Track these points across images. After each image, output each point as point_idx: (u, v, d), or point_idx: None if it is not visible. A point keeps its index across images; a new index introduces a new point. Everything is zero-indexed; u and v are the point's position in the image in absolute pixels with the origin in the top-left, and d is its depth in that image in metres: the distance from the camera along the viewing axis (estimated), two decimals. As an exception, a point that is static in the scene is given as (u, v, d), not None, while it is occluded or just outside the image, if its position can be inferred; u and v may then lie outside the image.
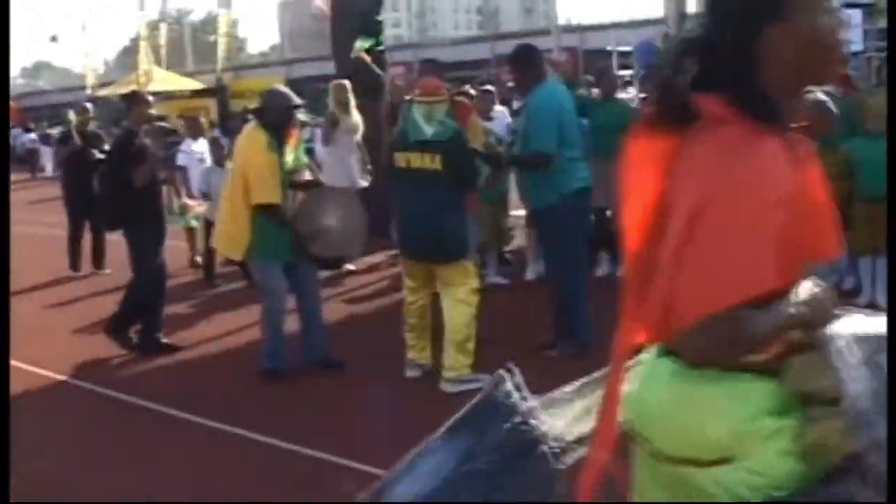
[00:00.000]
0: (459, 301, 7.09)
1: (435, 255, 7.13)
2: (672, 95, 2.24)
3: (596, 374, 2.59)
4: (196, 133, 13.03)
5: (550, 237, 7.86)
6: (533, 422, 2.57)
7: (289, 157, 7.64)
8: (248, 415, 6.86)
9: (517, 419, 2.59)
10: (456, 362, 7.07)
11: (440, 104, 7.13)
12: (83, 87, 42.40)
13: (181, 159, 12.48)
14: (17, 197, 19.64)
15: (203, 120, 14.99)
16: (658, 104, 2.29)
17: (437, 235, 7.02)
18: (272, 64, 54.32)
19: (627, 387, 2.34)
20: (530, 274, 10.82)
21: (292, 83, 41.94)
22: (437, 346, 7.39)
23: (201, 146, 12.54)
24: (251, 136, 7.52)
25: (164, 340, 8.80)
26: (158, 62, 42.69)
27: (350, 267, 11.13)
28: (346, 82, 11.75)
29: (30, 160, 35.63)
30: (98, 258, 12.89)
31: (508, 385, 2.65)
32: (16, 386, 7.05)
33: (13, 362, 8.03)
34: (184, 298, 10.75)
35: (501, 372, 2.63)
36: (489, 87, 13.63)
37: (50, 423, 7.18)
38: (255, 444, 6.34)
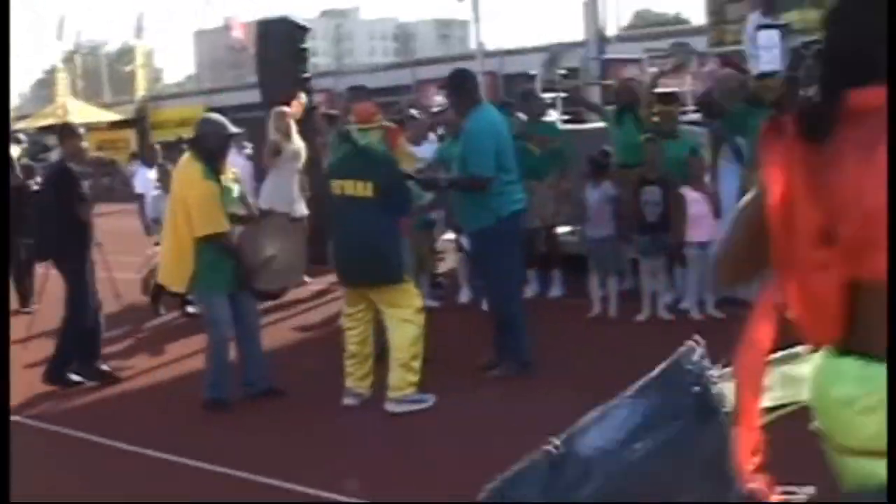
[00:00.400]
0: (405, 321, 7.18)
1: (374, 279, 7.23)
2: (820, 103, 2.38)
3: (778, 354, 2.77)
4: (153, 160, 13.04)
5: (487, 259, 7.98)
6: (716, 389, 2.78)
7: (231, 185, 7.67)
8: (194, 444, 6.86)
9: (702, 385, 2.83)
10: (402, 382, 7.15)
11: (374, 131, 7.24)
12: (-1, 120, 41.73)
13: (139, 186, 12.43)
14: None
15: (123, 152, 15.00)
16: (803, 112, 2.41)
17: (373, 260, 7.15)
18: (190, 94, 53.96)
19: (809, 383, 2.50)
20: (463, 297, 10.96)
21: (214, 112, 41.83)
22: (378, 371, 7.47)
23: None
24: (188, 167, 7.53)
25: (104, 367, 8.78)
26: (75, 94, 42.30)
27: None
28: (288, 109, 11.79)
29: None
30: (27, 294, 12.46)
31: (697, 353, 2.89)
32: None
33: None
34: (126, 328, 10.69)
35: (690, 342, 2.86)
36: (415, 112, 13.74)
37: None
38: (202, 473, 6.36)
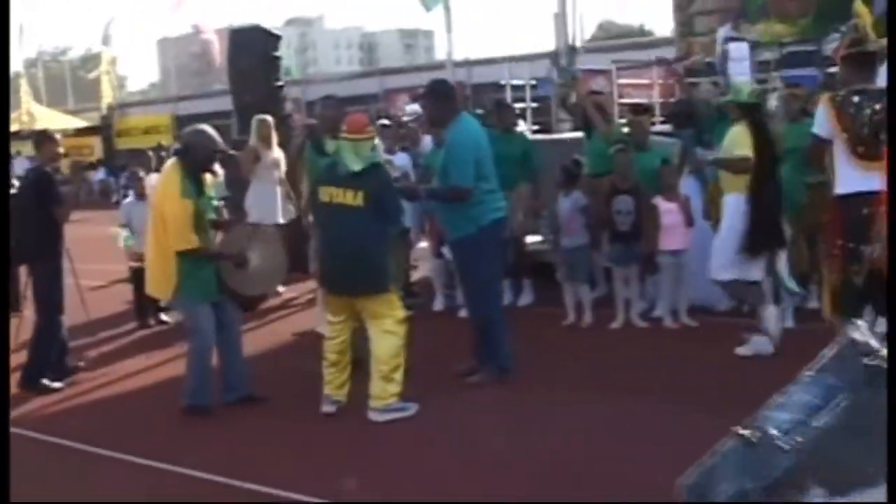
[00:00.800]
0: (387, 332, 7.22)
1: (359, 289, 7.27)
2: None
3: None
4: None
5: (467, 267, 8.05)
6: (881, 358, 3.13)
7: (211, 192, 7.72)
8: (174, 450, 6.88)
9: (872, 355, 3.18)
10: (384, 392, 7.20)
11: (366, 141, 7.28)
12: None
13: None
14: None
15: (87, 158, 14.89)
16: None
17: (361, 270, 7.18)
18: (156, 102, 53.73)
19: None
20: (438, 304, 11.03)
21: (180, 120, 41.70)
22: (356, 379, 7.51)
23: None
24: (169, 179, 7.54)
25: (74, 364, 8.99)
26: (39, 100, 42.05)
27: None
28: (269, 118, 11.82)
29: None
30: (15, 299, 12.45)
31: (863, 329, 3.25)
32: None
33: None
34: (99, 336, 10.65)
35: (857, 321, 3.26)
36: (386, 121, 13.81)
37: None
38: (183, 479, 6.38)
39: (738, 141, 8.21)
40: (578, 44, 19.25)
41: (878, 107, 6.36)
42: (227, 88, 16.89)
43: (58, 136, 9.22)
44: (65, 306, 8.92)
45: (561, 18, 18.55)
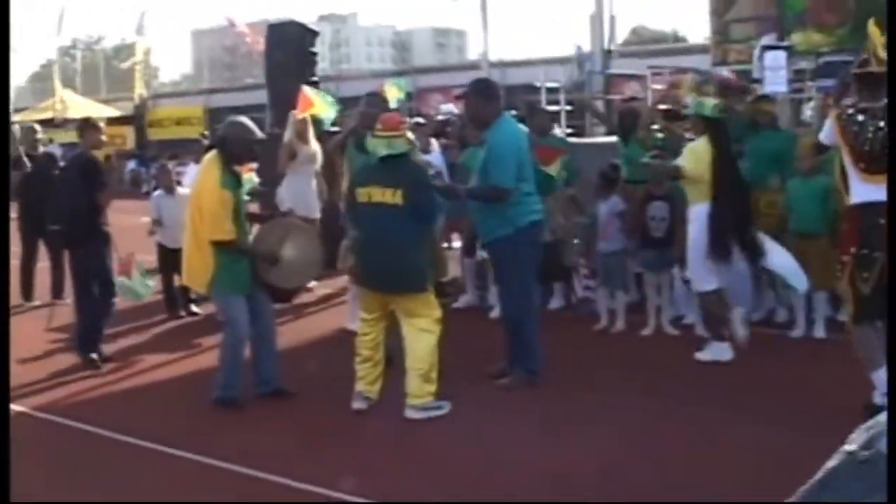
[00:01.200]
0: (423, 331, 7.23)
1: (397, 287, 7.27)
2: None
3: None
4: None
5: (504, 268, 8.03)
6: None
7: (246, 187, 7.74)
8: (203, 442, 6.89)
9: None
10: (420, 390, 7.21)
11: (401, 139, 7.28)
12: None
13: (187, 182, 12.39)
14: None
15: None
16: None
17: (399, 269, 7.18)
18: (189, 93, 53.91)
19: None
20: (466, 302, 11.02)
21: (212, 112, 41.84)
22: (387, 376, 7.53)
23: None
24: (208, 170, 7.57)
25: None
26: (73, 88, 42.23)
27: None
28: (306, 115, 11.81)
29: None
30: (59, 286, 12.50)
31: None
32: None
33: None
34: (131, 325, 10.75)
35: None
36: (421, 119, 13.79)
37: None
38: (211, 470, 6.41)
39: (691, 153, 8.50)
40: (612, 48, 19.26)
41: (881, 124, 6.55)
42: (260, 82, 16.96)
43: (101, 125, 9.54)
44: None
45: (597, 21, 18.53)
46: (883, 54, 6.72)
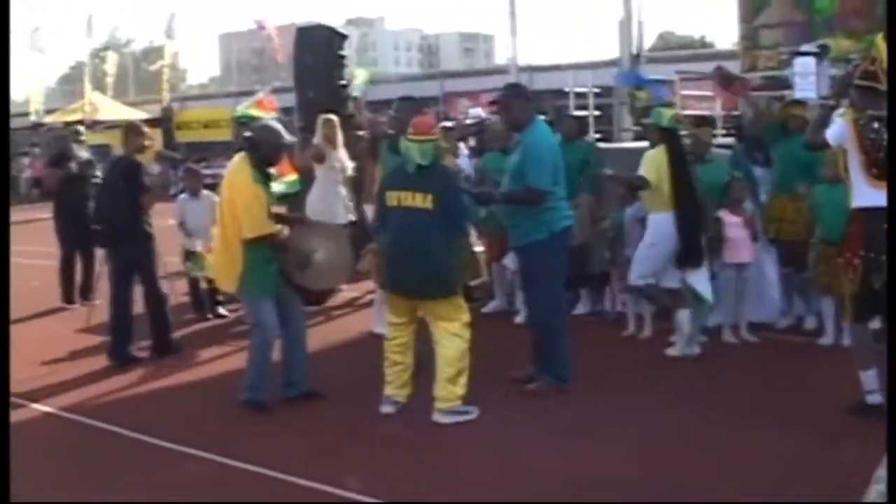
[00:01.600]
0: (453, 335, 7.21)
1: (426, 292, 7.25)
2: None
3: None
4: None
5: (534, 273, 7.98)
6: None
7: (277, 188, 7.77)
8: (230, 444, 6.92)
9: None
10: (449, 394, 7.21)
11: (431, 142, 7.28)
12: (26, 114, 41.93)
13: None
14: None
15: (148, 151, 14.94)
16: None
17: (427, 273, 7.15)
18: (216, 96, 54.10)
19: None
20: (492, 307, 10.99)
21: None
22: (416, 380, 7.52)
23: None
24: (239, 169, 7.61)
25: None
26: (103, 90, 42.36)
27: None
28: (335, 117, 11.83)
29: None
30: (88, 288, 12.59)
31: None
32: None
33: None
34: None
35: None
36: (450, 124, 13.79)
37: (30, 452, 7.20)
38: (237, 472, 6.43)
39: (650, 162, 8.85)
40: (638, 53, 19.19)
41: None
42: (287, 85, 16.97)
43: (145, 129, 9.86)
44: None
45: (625, 26, 18.47)
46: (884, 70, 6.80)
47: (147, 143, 9.76)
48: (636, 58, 18.34)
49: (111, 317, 9.50)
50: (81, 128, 14.25)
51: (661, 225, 8.76)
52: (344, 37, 15.37)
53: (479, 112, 15.51)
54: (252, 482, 6.27)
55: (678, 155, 8.82)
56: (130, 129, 9.80)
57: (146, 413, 7.92)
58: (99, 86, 42.04)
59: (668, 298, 9.01)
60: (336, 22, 17.24)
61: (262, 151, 7.64)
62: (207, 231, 10.41)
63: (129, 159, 9.59)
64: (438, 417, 7.20)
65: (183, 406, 8.14)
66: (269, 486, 6.18)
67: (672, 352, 8.92)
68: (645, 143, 11.45)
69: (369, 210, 9.33)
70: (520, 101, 7.98)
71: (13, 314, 11.61)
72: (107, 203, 9.53)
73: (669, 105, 10.50)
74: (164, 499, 6.08)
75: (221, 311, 11.42)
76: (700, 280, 8.92)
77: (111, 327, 9.52)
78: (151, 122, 42.41)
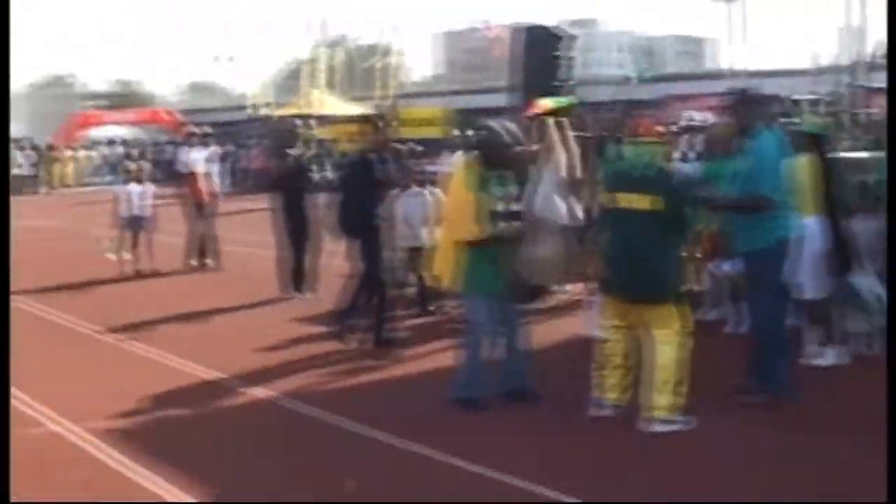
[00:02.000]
0: (672, 342, 7.11)
1: (644, 295, 7.18)
2: None
3: None
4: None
5: (758, 281, 7.78)
6: None
7: (509, 188, 7.78)
8: (442, 439, 6.99)
9: None
10: (668, 402, 7.09)
11: (658, 146, 7.22)
12: (243, 107, 43.37)
13: None
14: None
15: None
16: None
17: (653, 277, 7.10)
18: (436, 94, 54.83)
19: None
20: (709, 316, 10.69)
21: (459, 114, 42.36)
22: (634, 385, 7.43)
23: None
24: (459, 171, 7.88)
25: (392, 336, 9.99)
26: (330, 85, 43.29)
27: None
28: (554, 119, 11.80)
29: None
30: (300, 281, 12.86)
31: None
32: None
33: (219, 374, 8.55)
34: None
35: None
36: (674, 128, 13.57)
37: (249, 437, 7.48)
38: (446, 468, 6.53)
39: (800, 169, 8.46)
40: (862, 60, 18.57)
41: None
42: (505, 85, 17.02)
43: (381, 125, 10.42)
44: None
45: (846, 32, 17.92)
46: None
47: (383, 137, 10.20)
48: (867, 65, 17.73)
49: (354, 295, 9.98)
50: (298, 121, 14.61)
51: (811, 230, 8.41)
52: (559, 38, 15.25)
53: (701, 116, 15.23)
54: (454, 476, 6.36)
55: (826, 160, 8.82)
56: (371, 125, 10.32)
57: (360, 403, 8.10)
58: (321, 81, 43.09)
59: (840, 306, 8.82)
60: (551, 23, 17.17)
61: (487, 152, 7.76)
62: (421, 227, 10.88)
63: (364, 156, 10.03)
64: (655, 426, 7.07)
65: (398, 398, 8.27)
66: (470, 481, 6.25)
67: (821, 361, 8.75)
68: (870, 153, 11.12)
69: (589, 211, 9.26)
70: (752, 105, 7.90)
71: (230, 301, 12.18)
72: (348, 196, 10.04)
73: None
74: (367, 490, 6.18)
75: (430, 308, 11.52)
76: (873, 283, 8.72)
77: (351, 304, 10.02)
78: (372, 119, 43.51)
